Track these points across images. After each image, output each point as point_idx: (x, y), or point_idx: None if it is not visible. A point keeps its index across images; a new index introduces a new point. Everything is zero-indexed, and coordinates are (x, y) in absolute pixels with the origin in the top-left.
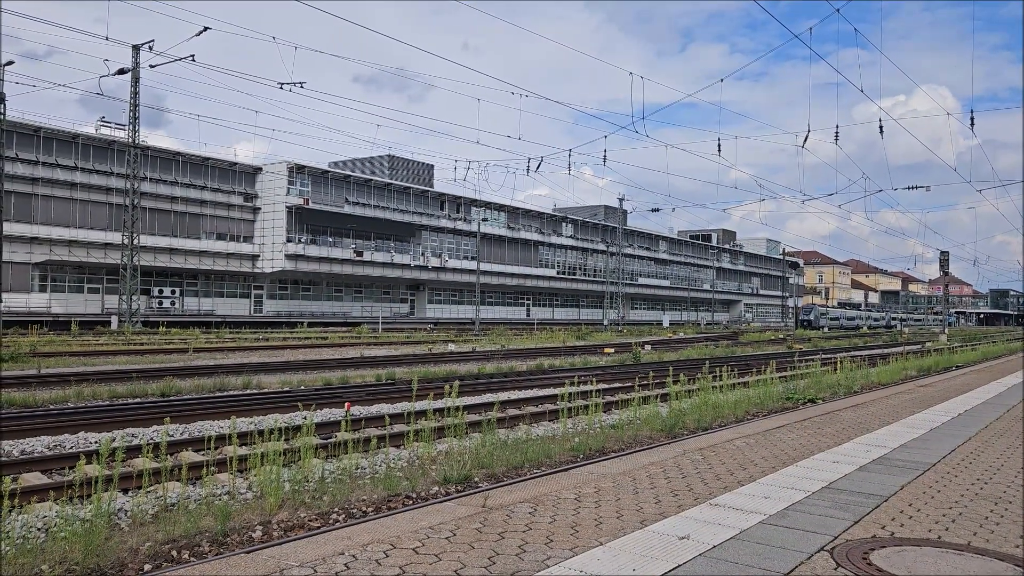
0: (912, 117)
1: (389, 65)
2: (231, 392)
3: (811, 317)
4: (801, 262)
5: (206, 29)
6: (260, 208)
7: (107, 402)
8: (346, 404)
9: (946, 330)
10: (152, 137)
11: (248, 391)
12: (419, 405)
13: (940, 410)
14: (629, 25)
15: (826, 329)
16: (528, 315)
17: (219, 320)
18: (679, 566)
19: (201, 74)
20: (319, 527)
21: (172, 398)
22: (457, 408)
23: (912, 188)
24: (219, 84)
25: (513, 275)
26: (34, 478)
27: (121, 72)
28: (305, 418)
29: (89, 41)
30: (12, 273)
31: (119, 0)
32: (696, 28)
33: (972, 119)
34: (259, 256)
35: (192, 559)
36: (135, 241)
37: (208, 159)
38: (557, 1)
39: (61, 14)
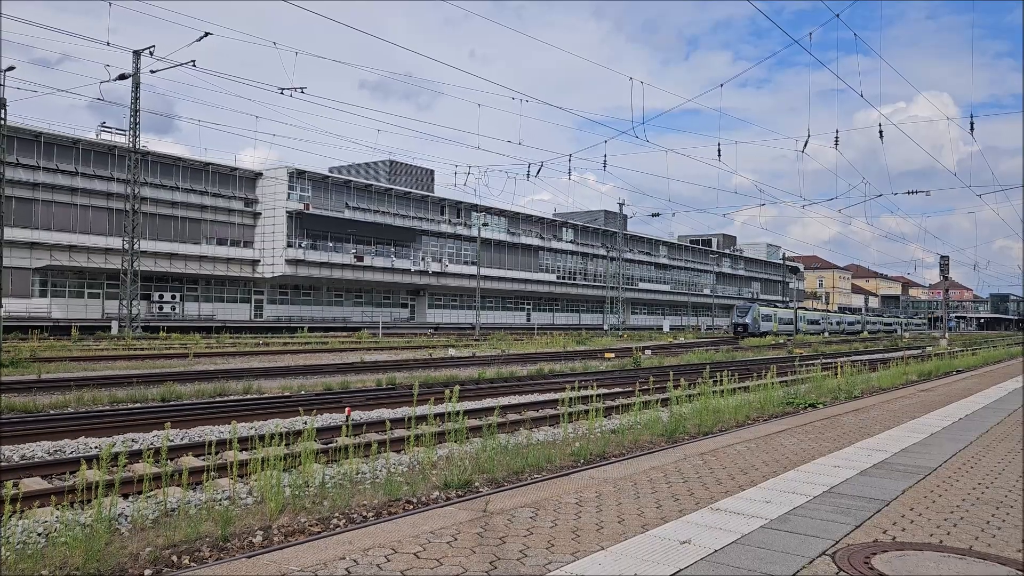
0: (913, 123)
1: (397, 72)
2: (231, 397)
3: (747, 320)
4: (802, 267)
5: (207, 35)
6: (261, 213)
7: (107, 407)
8: (347, 409)
9: (947, 335)
10: (159, 143)
11: (248, 396)
12: (420, 410)
13: (941, 414)
14: (636, 34)
15: (769, 337)
16: (528, 320)
17: (219, 325)
18: (681, 570)
19: (203, 79)
20: (320, 532)
21: (172, 403)
22: (458, 413)
23: (912, 193)
24: (220, 89)
25: (513, 280)
26: (35, 483)
27: (122, 77)
28: (306, 423)
29: (92, 47)
30: (13, 278)
31: (121, 6)
32: (702, 36)
33: (972, 124)
34: (259, 261)
35: (193, 564)
36: (135, 246)
37: (209, 164)
38: (566, 6)
39: (78, 23)
